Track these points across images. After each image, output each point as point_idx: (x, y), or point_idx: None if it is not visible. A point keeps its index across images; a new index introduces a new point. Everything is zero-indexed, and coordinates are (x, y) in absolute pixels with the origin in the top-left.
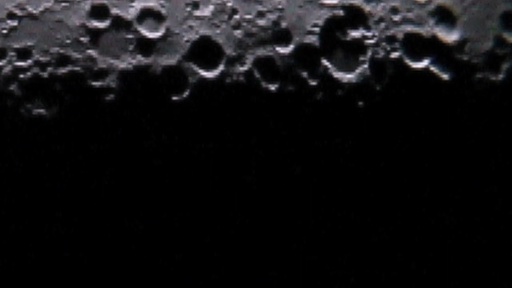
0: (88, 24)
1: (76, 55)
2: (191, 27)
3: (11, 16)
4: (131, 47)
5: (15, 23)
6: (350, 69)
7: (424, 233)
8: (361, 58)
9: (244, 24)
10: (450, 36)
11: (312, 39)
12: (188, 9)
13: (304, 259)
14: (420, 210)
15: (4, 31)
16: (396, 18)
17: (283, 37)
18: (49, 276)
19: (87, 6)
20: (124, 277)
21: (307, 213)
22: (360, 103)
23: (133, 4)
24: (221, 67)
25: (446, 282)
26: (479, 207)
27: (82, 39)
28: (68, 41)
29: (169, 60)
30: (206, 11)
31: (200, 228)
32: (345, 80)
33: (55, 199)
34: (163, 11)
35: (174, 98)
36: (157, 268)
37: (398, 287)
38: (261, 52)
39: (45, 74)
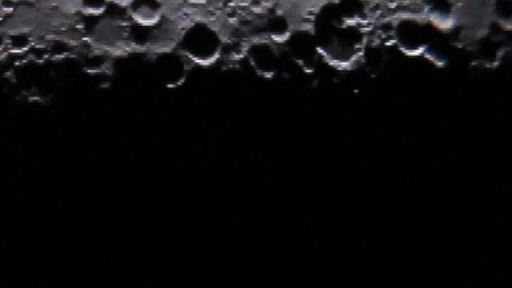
0: (83, 11)
1: (71, 42)
2: (186, 14)
3: (7, 2)
4: (125, 35)
5: (10, 10)
6: (345, 57)
7: (417, 218)
8: (357, 46)
9: (240, 11)
10: (445, 23)
11: (308, 27)
12: None
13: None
14: (415, 199)
15: (0, 18)
16: (391, 5)
17: (279, 24)
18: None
19: None
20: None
21: (302, 202)
22: (356, 90)
23: None
24: (216, 55)
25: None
26: (474, 193)
27: (77, 26)
28: (63, 28)
29: (164, 47)
30: None
31: (195, 216)
32: (340, 68)
33: (50, 187)
34: None
35: (169, 86)
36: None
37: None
38: (257, 40)
39: (40, 61)
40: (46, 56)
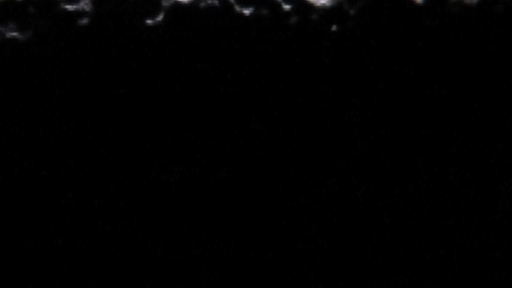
0: None
1: None
2: None
3: None
4: None
5: None
6: None
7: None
8: None
9: None
10: None
11: None
12: None
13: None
14: (394, 142)
15: None
16: None
17: None
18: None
19: None
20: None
21: (282, 142)
22: (334, 27)
23: None
24: None
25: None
26: (460, 130)
27: None
28: None
29: None
30: None
31: (175, 157)
32: (319, 4)
33: (28, 121)
34: None
35: (148, 22)
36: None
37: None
38: None
39: None
40: None
